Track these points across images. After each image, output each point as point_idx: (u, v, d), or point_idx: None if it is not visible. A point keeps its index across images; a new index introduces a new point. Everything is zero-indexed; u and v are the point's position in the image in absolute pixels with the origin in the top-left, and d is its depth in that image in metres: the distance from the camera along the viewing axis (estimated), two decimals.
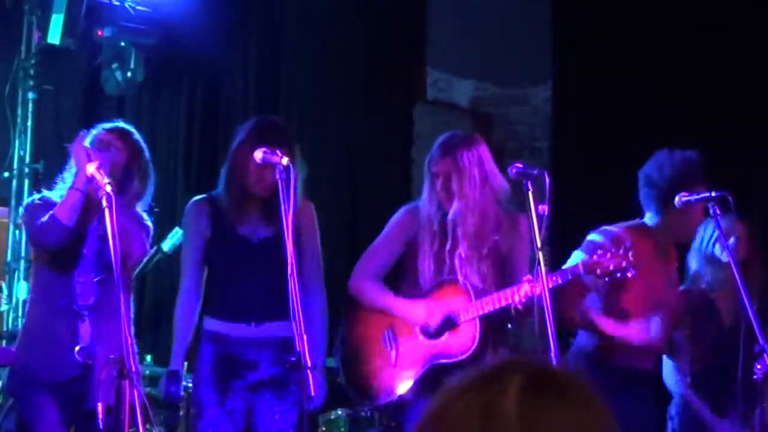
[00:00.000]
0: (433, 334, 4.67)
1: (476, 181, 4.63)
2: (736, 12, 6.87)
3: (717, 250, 5.21)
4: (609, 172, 5.03)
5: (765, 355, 4.41)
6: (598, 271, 4.42)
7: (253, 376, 4.64)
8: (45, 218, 4.54)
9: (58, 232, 4.52)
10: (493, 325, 4.61)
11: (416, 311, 4.69)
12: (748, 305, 4.47)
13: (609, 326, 4.75)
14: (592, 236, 4.84)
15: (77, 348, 4.58)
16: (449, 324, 4.63)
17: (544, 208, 4.24)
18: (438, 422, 1.33)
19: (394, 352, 4.75)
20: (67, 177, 4.70)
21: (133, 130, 4.83)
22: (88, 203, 4.56)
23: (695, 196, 4.73)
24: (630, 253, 4.38)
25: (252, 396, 4.65)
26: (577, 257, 4.73)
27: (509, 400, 1.28)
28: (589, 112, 7.01)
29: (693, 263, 5.27)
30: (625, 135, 6.73)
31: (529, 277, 4.41)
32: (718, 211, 4.65)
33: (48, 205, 4.64)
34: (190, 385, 5.02)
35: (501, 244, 4.71)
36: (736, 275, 4.59)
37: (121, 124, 4.83)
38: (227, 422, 4.62)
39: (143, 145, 4.81)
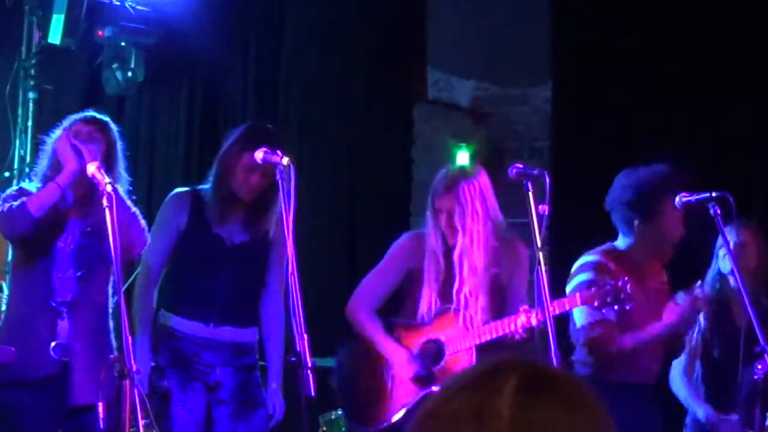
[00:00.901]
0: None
1: (479, 215, 4.64)
2: (736, 11, 6.87)
3: (721, 263, 5.22)
4: (609, 172, 5.02)
5: (765, 355, 4.42)
6: (596, 303, 4.42)
7: (210, 378, 4.64)
8: (16, 204, 4.53)
9: (23, 220, 4.49)
10: (490, 352, 4.60)
11: (398, 358, 4.70)
12: (748, 305, 4.48)
13: (631, 338, 4.73)
14: (581, 276, 4.81)
15: (53, 344, 4.56)
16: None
17: (544, 208, 4.24)
18: (432, 421, 1.32)
19: (390, 380, 4.76)
20: (40, 169, 4.70)
21: (107, 119, 4.78)
22: (80, 198, 4.58)
23: (695, 197, 4.72)
24: (628, 285, 4.37)
25: (210, 397, 4.65)
26: (579, 316, 4.73)
27: (503, 401, 1.27)
28: (590, 112, 7.01)
29: (708, 279, 5.29)
30: (626, 135, 6.73)
31: (525, 307, 4.42)
32: (718, 212, 4.64)
33: (23, 194, 4.62)
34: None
35: (501, 276, 4.71)
36: (737, 275, 4.59)
37: (95, 115, 4.76)
38: (191, 420, 4.60)
39: (117, 133, 4.77)
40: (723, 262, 5.23)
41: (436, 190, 4.72)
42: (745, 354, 4.80)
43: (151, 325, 4.66)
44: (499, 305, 4.69)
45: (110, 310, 4.74)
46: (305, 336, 4.03)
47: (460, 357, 4.63)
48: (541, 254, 4.21)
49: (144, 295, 4.69)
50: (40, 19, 6.88)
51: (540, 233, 4.21)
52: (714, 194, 4.64)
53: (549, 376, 1.32)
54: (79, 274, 4.63)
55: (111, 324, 4.73)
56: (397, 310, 4.85)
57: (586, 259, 4.84)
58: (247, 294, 4.73)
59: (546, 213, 4.24)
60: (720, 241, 5.18)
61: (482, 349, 4.58)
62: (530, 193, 4.28)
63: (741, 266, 4.89)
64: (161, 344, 4.66)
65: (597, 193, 5.03)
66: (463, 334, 4.61)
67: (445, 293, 4.68)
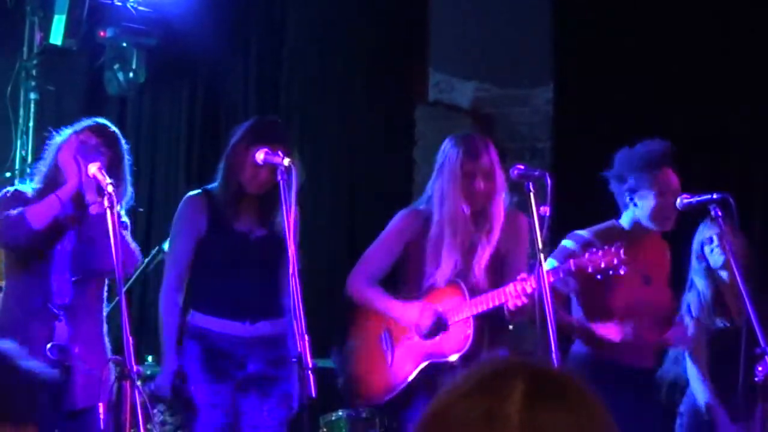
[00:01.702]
0: (427, 334, 4.68)
1: (501, 179, 4.66)
2: (736, 11, 6.87)
3: (710, 258, 5.23)
4: None
5: (766, 357, 4.42)
6: (590, 269, 4.41)
7: (241, 374, 4.65)
8: (14, 213, 4.52)
9: (23, 232, 4.47)
10: (489, 324, 4.62)
11: (409, 312, 4.71)
12: (749, 306, 4.48)
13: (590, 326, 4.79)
14: (565, 242, 4.85)
15: (49, 345, 4.54)
16: (440, 325, 4.65)
17: (546, 210, 4.25)
18: (439, 424, 1.35)
19: (390, 353, 4.78)
20: (40, 168, 4.69)
21: (115, 128, 4.75)
22: (77, 204, 4.57)
23: (697, 198, 4.74)
24: (621, 251, 4.38)
25: (238, 393, 4.66)
26: (550, 264, 4.74)
27: (512, 406, 1.30)
28: (591, 113, 7.01)
29: (695, 280, 5.29)
30: (627, 135, 6.71)
31: (523, 275, 4.42)
32: (719, 213, 4.65)
33: (18, 199, 4.61)
34: None
35: (500, 245, 4.72)
36: (737, 276, 4.59)
37: (107, 125, 4.73)
38: (220, 417, 4.62)
39: (125, 145, 4.75)
40: (712, 257, 5.24)
41: (466, 154, 4.66)
42: (745, 355, 4.80)
43: (177, 328, 4.66)
44: (496, 274, 4.70)
45: (105, 315, 4.74)
46: (306, 337, 4.04)
47: (459, 326, 4.64)
48: (542, 255, 4.21)
49: (170, 301, 4.70)
50: (41, 20, 6.89)
51: (541, 234, 4.22)
52: (715, 196, 4.65)
53: (555, 380, 1.35)
54: (75, 278, 4.62)
55: (106, 328, 4.73)
56: (396, 285, 4.87)
57: (576, 232, 4.89)
58: (273, 286, 4.71)
59: (547, 214, 4.25)
60: (698, 237, 5.23)
61: (481, 318, 4.59)
62: (531, 194, 4.28)
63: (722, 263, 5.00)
64: (189, 346, 4.66)
65: (598, 194, 5.05)
66: (460, 304, 4.62)
67: (468, 257, 4.68)
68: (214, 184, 4.76)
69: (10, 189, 4.76)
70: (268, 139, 4.52)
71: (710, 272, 5.27)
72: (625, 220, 4.95)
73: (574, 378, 1.37)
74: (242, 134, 4.68)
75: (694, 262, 5.30)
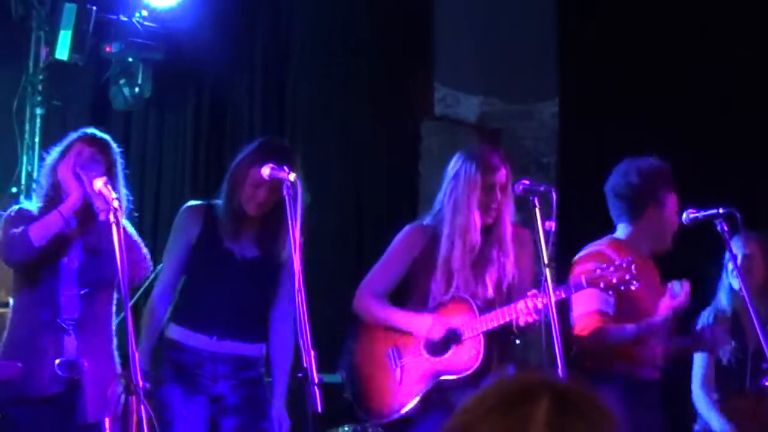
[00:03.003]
0: (438, 348, 4.66)
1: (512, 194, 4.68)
2: (741, 23, 6.88)
3: (730, 276, 5.22)
4: None
5: None
6: (602, 285, 4.40)
7: (212, 391, 4.64)
8: (18, 231, 4.52)
9: (25, 249, 4.48)
10: (498, 340, 4.61)
11: (421, 323, 4.68)
12: (755, 320, 4.47)
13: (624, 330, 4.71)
14: (581, 268, 4.79)
15: (58, 361, 4.54)
16: (453, 337, 4.63)
17: (551, 225, 4.24)
18: None
19: (398, 370, 4.75)
20: (40, 187, 4.70)
21: (108, 138, 4.77)
22: (81, 217, 4.58)
23: (703, 212, 4.72)
24: (633, 266, 4.36)
25: (214, 408, 4.65)
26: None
27: (535, 428, 1.30)
28: (596, 128, 7.01)
29: (721, 296, 5.29)
30: (633, 150, 6.72)
31: (534, 291, 4.41)
32: (725, 228, 4.64)
33: (23, 217, 4.62)
34: None
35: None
36: (744, 290, 4.58)
37: (96, 134, 4.74)
38: (193, 420, 4.60)
39: (118, 152, 4.76)
40: (732, 277, 5.23)
41: (486, 166, 4.68)
42: (752, 369, 4.80)
43: (156, 331, 4.67)
44: (504, 290, 4.70)
45: (114, 329, 4.74)
46: (312, 352, 4.04)
47: (469, 343, 4.62)
48: (548, 270, 4.20)
49: (155, 302, 4.73)
50: (47, 35, 6.89)
51: (547, 249, 4.21)
52: (721, 210, 4.64)
53: (576, 398, 1.36)
54: (83, 292, 4.62)
55: (115, 342, 4.73)
56: (404, 302, 4.85)
57: (588, 249, 4.84)
58: (255, 309, 4.72)
59: (553, 229, 4.24)
60: (728, 253, 5.20)
61: (490, 334, 4.57)
62: (537, 209, 4.28)
63: (747, 278, 4.92)
64: (164, 357, 4.67)
65: (604, 209, 5.03)
66: (471, 321, 4.60)
67: (477, 271, 4.67)
68: (219, 200, 4.77)
69: (15, 208, 4.77)
70: (274, 156, 4.51)
71: (731, 290, 5.26)
72: (622, 233, 4.90)
73: (595, 395, 1.37)
74: (247, 153, 4.69)
75: (723, 277, 5.29)
